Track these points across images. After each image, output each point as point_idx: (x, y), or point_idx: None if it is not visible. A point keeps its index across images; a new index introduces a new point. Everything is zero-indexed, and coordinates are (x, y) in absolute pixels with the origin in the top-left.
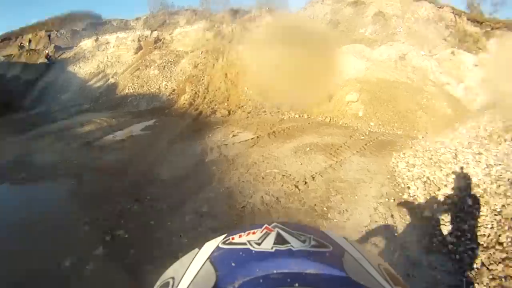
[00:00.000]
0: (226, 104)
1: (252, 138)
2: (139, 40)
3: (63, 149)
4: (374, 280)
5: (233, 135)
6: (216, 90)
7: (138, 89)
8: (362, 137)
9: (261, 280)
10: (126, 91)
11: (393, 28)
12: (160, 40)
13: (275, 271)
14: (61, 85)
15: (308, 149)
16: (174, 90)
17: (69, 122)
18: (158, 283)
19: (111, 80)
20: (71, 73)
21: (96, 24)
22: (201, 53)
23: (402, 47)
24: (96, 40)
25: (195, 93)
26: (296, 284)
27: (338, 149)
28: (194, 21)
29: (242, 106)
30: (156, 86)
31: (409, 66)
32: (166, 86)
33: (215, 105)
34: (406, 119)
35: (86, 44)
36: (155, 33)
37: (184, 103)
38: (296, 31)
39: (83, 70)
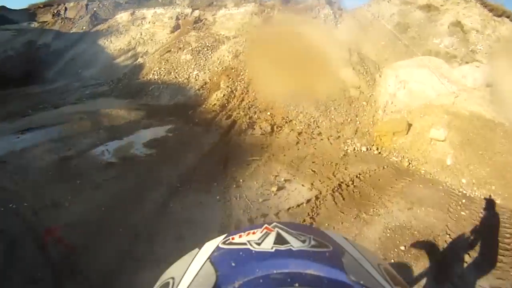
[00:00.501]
0: (269, 114)
1: (308, 201)
2: (177, 18)
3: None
4: (374, 280)
5: (278, 187)
6: (259, 91)
7: (164, 75)
8: (463, 212)
9: (261, 280)
10: (150, 76)
11: (472, 44)
12: (201, 21)
13: (275, 271)
14: (89, 60)
15: (403, 247)
16: (205, 83)
17: (71, 110)
18: (158, 283)
19: (139, 60)
20: (101, 47)
21: None
22: (245, 40)
23: (490, 70)
24: (132, 13)
25: (231, 91)
26: (296, 284)
27: (442, 245)
28: (242, 4)
29: (291, 121)
30: (185, 74)
31: (504, 100)
32: (197, 77)
33: (255, 113)
34: (506, 181)
35: (122, 17)
36: (196, 12)
37: (215, 104)
38: None
39: (113, 45)
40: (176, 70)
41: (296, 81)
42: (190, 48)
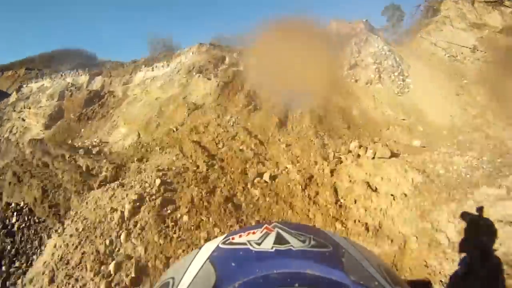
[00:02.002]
0: None
1: None
2: (62, 97)
3: None
4: (374, 280)
5: None
6: None
7: None
8: None
9: (261, 280)
10: None
11: None
12: (103, 97)
13: (275, 271)
14: None
15: None
16: None
17: None
18: (158, 283)
19: None
20: None
21: (87, 65)
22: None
23: None
24: (18, 90)
25: None
26: (296, 284)
27: None
28: (175, 56)
29: None
30: None
31: None
32: None
33: None
34: None
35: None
36: (97, 81)
37: None
38: None
39: None
40: None
41: None
42: None
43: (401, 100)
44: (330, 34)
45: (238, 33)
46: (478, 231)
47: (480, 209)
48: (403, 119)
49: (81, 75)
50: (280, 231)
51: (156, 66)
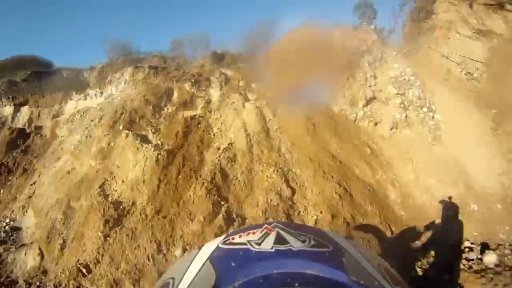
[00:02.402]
0: None
1: None
2: None
3: None
4: (374, 280)
5: None
6: None
7: None
8: None
9: (261, 280)
10: None
11: None
12: (29, 136)
13: (275, 271)
14: None
15: None
16: None
17: None
18: (159, 283)
19: None
20: None
21: (41, 74)
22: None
23: None
24: None
25: None
26: (296, 284)
27: None
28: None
29: None
30: None
31: None
32: None
33: None
34: None
35: None
36: (23, 113)
37: None
38: None
39: None
40: None
41: None
42: None
43: (437, 154)
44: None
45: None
46: None
47: None
48: (449, 196)
49: (5, 106)
50: (280, 231)
51: (88, 94)
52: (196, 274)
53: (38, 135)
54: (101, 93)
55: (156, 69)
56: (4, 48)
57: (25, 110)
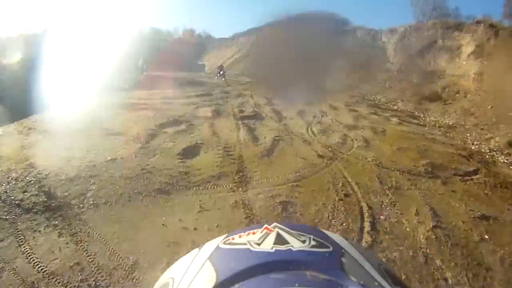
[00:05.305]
0: None
1: None
2: None
3: None
4: (374, 280)
5: None
6: None
7: None
8: None
9: (261, 281)
10: None
11: None
12: None
13: (275, 271)
14: None
15: None
16: None
17: None
18: (158, 283)
19: None
20: None
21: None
22: None
23: None
24: None
25: None
26: (296, 284)
27: None
28: None
29: None
30: None
31: None
32: None
33: None
34: None
35: None
36: None
37: None
38: None
39: None
40: None
41: None
42: None
43: None
44: None
45: None
46: None
47: None
48: None
49: None
50: (280, 231)
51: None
52: (196, 274)
53: None
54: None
55: None
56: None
57: None
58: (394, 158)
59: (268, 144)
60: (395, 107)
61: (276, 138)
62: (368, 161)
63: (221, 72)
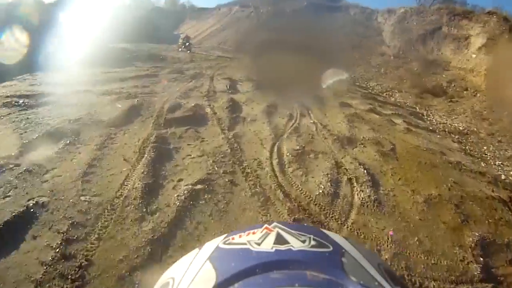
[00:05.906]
0: None
1: None
2: None
3: None
4: (374, 280)
5: None
6: None
7: None
8: None
9: (261, 280)
10: None
11: None
12: None
13: (275, 271)
14: None
15: None
16: None
17: None
18: (158, 283)
19: None
20: None
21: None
22: None
23: None
24: None
25: None
26: (296, 284)
27: None
28: None
29: None
30: None
31: None
32: None
33: None
34: None
35: None
36: None
37: None
38: None
39: None
40: None
41: None
42: None
43: None
44: None
45: None
46: None
47: None
48: None
49: None
50: (280, 231)
51: None
52: (196, 274)
53: None
54: None
55: None
56: None
57: None
58: (425, 231)
59: (170, 216)
60: (392, 99)
61: (195, 190)
62: (389, 262)
63: (186, 44)
